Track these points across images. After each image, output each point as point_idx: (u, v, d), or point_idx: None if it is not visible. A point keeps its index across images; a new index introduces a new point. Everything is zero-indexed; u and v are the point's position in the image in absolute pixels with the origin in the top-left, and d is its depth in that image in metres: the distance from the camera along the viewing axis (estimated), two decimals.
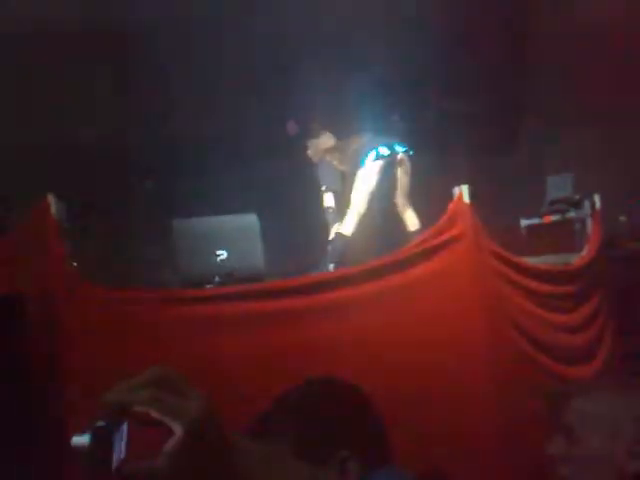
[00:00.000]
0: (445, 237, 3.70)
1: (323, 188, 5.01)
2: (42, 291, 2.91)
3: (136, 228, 5.76)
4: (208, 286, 3.90)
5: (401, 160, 4.73)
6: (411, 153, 4.78)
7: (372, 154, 4.68)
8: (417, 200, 4.90)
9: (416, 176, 4.99)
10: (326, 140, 5.02)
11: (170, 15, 5.50)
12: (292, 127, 6.02)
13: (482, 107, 6.41)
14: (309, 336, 3.41)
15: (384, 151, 4.67)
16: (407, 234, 4.68)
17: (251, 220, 4.30)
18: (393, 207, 4.79)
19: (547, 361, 4.07)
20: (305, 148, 5.12)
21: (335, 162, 4.99)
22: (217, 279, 4.00)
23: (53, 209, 3.10)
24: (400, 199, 4.76)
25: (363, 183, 4.66)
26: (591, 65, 7.33)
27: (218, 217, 4.36)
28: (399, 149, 4.72)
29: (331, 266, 4.71)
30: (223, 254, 4.09)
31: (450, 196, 3.91)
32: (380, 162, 4.66)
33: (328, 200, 5.00)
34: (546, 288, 4.24)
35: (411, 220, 4.74)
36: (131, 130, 5.79)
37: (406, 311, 3.66)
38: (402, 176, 4.74)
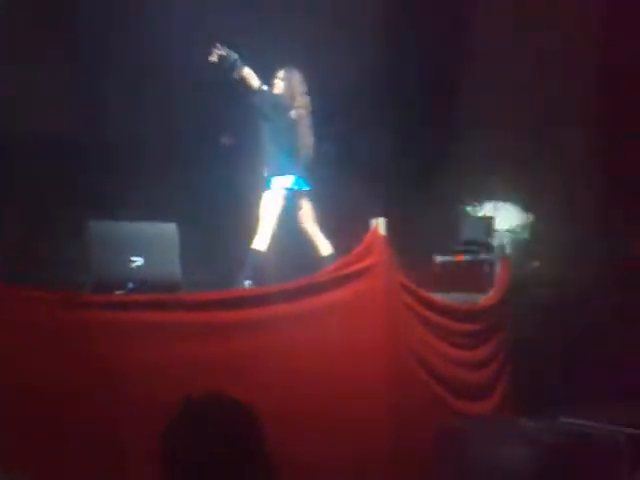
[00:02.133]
0: (359, 266, 3.80)
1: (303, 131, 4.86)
2: None
3: (50, 226, 5.60)
4: (119, 292, 3.84)
5: (302, 195, 4.85)
6: (309, 189, 4.90)
7: (278, 181, 4.78)
8: (333, 229, 5.00)
9: (331, 206, 5.11)
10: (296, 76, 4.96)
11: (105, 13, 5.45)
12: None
13: (403, 139, 6.62)
14: (220, 351, 3.40)
15: (287, 183, 4.79)
16: (319, 259, 4.76)
17: (170, 229, 4.27)
18: (302, 232, 4.87)
19: (447, 395, 4.21)
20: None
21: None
22: (130, 285, 3.94)
23: None
24: (308, 226, 4.84)
25: (271, 204, 4.74)
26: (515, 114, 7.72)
27: (137, 223, 4.30)
28: (301, 185, 4.83)
29: (247, 282, 4.72)
30: (139, 261, 4.04)
31: (367, 227, 4.02)
32: (283, 191, 4.78)
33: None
34: (452, 325, 4.41)
35: (323, 245, 4.82)
36: (53, 126, 5.65)
37: (316, 335, 3.72)
38: (305, 207, 4.85)
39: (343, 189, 5.86)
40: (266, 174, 4.89)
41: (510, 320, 5.00)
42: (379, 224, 3.94)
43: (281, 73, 4.97)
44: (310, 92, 5.03)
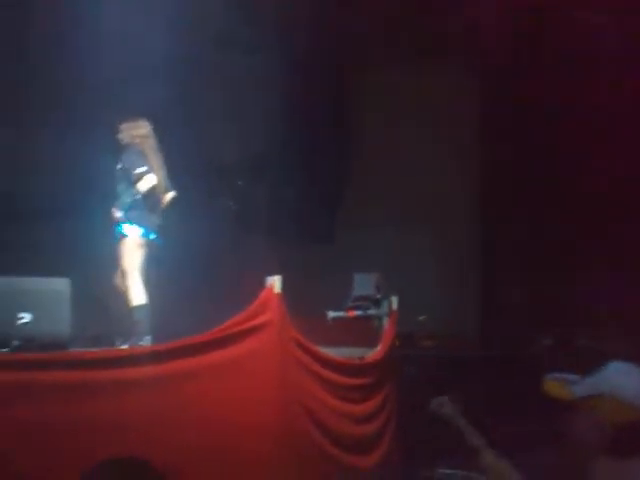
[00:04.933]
0: (253, 323, 3.89)
1: (139, 171, 4.83)
2: None
3: None
4: (3, 350, 3.72)
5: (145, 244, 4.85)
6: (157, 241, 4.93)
7: (135, 229, 4.79)
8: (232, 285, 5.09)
9: (230, 262, 5.20)
10: (141, 126, 5.05)
11: None
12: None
13: (302, 199, 6.88)
14: (113, 410, 3.35)
15: (137, 230, 4.80)
16: (132, 308, 4.72)
17: (62, 284, 4.17)
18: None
19: (336, 450, 4.32)
20: (117, 131, 5.05)
21: (145, 148, 4.95)
22: (16, 343, 3.82)
23: None
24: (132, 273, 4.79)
25: (134, 252, 4.75)
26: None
27: (25, 278, 4.18)
28: (148, 234, 4.86)
29: (147, 338, 4.67)
30: (26, 317, 3.92)
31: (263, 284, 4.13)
32: (140, 240, 4.79)
33: (147, 183, 4.83)
34: (342, 379, 4.56)
35: (135, 295, 4.75)
36: None
37: (210, 392, 3.74)
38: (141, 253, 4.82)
39: (242, 246, 5.97)
40: (116, 219, 4.86)
41: (396, 373, 5.22)
42: (275, 282, 4.05)
43: (124, 124, 5.05)
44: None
